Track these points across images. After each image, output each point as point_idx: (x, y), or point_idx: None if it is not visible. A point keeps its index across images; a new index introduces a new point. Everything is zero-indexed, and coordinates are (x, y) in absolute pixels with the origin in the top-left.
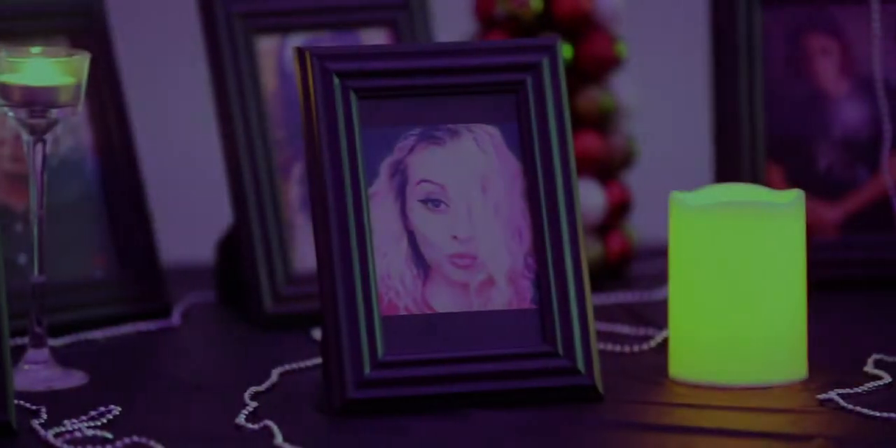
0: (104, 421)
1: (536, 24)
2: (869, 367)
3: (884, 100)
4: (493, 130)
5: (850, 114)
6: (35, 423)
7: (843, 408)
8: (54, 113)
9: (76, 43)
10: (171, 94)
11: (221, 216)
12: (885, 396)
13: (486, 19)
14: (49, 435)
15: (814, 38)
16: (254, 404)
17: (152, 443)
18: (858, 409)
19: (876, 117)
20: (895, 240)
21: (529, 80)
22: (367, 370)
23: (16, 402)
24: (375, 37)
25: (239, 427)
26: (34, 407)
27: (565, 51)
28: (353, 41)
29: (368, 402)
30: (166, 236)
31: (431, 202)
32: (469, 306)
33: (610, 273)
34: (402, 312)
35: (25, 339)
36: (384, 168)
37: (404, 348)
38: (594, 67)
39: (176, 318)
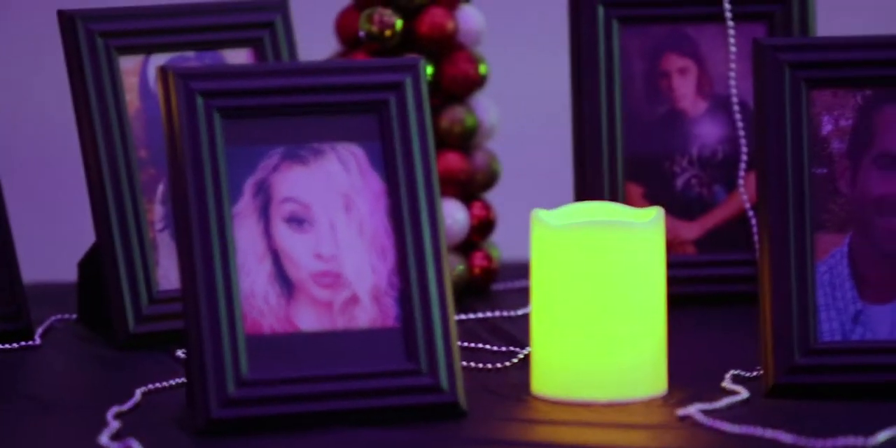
0: None
1: (399, 44)
2: (727, 383)
3: (740, 119)
4: (356, 149)
5: (707, 133)
6: None
7: (702, 423)
8: None
9: None
10: (31, 113)
11: (84, 236)
12: (742, 411)
13: (349, 39)
14: None
15: (672, 58)
16: (116, 424)
17: None
18: (717, 424)
19: (733, 136)
20: (752, 257)
21: (392, 100)
22: (230, 389)
23: None
24: (239, 56)
25: (101, 447)
26: None
27: (428, 70)
28: (217, 61)
29: (232, 422)
30: (28, 256)
31: (295, 221)
32: (333, 325)
33: (473, 291)
34: (267, 331)
35: None
36: (248, 187)
37: (268, 367)
38: (456, 87)
39: (37, 339)
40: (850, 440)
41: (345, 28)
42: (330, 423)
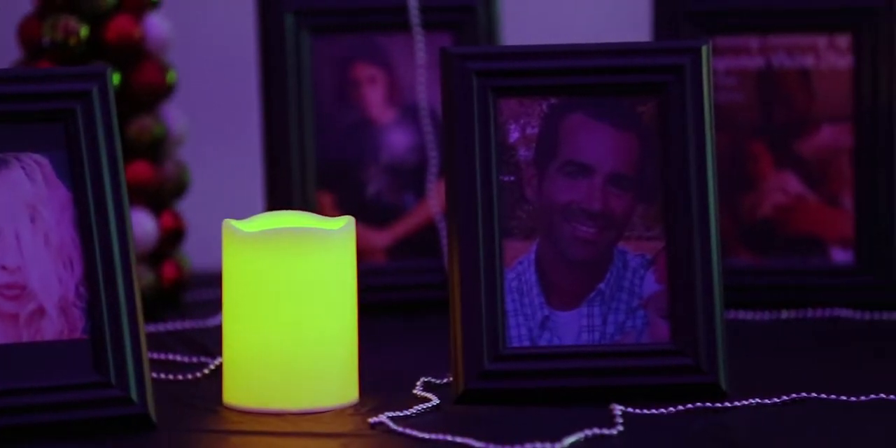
0: None
1: (85, 52)
2: (418, 390)
3: (429, 127)
4: (41, 159)
5: (397, 141)
6: None
7: (393, 431)
8: None
9: None
10: None
11: None
12: (433, 418)
13: (33, 46)
14: None
15: (361, 67)
16: None
17: None
18: (408, 431)
19: (422, 144)
20: (441, 264)
21: (79, 109)
22: None
23: None
24: None
25: None
26: None
27: (115, 79)
28: None
29: None
30: None
31: None
32: (19, 338)
33: (164, 301)
34: None
35: None
36: None
37: None
38: (144, 95)
39: None
40: (539, 445)
41: (27, 35)
42: (18, 438)
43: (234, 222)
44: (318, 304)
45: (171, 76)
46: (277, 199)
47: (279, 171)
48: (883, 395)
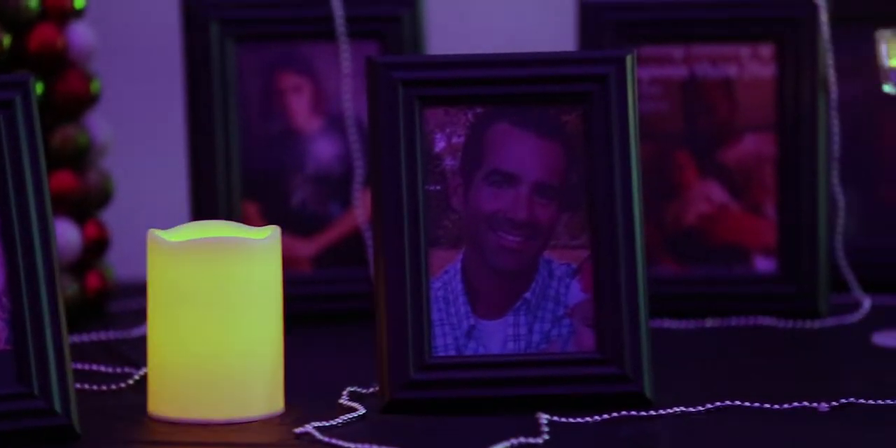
0: None
1: (7, 61)
2: (344, 400)
3: (355, 136)
4: None
5: (322, 150)
6: None
7: (319, 441)
8: None
9: None
10: None
11: None
12: (359, 428)
13: None
14: None
15: (286, 76)
16: None
17: None
18: (334, 441)
19: (348, 154)
20: (367, 274)
21: (1, 118)
22: None
23: None
24: None
25: None
26: None
27: (38, 88)
28: None
29: None
30: None
31: None
32: None
33: (88, 311)
34: None
35: None
36: None
37: None
38: (68, 105)
39: None
40: None
41: None
42: None
43: (158, 232)
44: (243, 313)
45: (95, 85)
46: (202, 208)
47: (204, 180)
48: (806, 403)
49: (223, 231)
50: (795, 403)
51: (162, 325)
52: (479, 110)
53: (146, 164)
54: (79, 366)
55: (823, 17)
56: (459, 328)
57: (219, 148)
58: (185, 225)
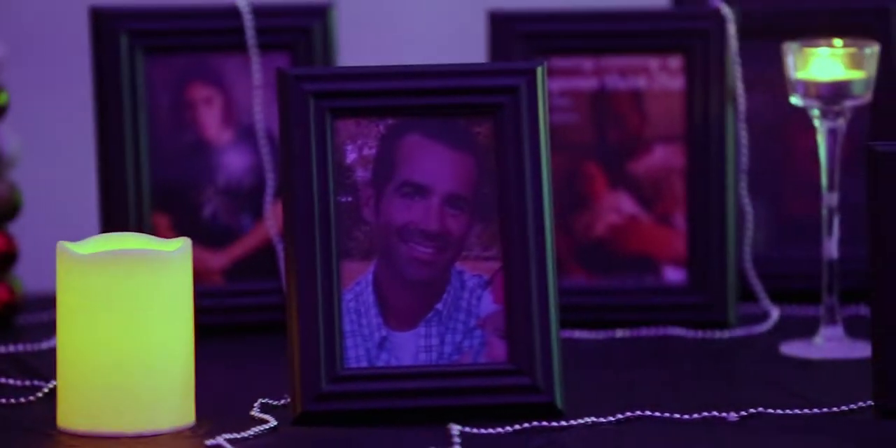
0: None
1: None
2: (255, 412)
3: (266, 148)
4: None
5: (233, 162)
6: None
7: None
8: None
9: None
10: None
11: None
12: (271, 440)
13: None
14: None
15: (196, 88)
16: None
17: None
18: None
19: (259, 165)
20: (279, 286)
21: None
22: None
23: None
24: None
25: None
26: None
27: None
28: None
29: None
30: None
31: None
32: None
33: None
34: None
35: None
36: None
37: None
38: None
39: None
40: None
41: None
42: None
43: (68, 244)
44: (153, 326)
45: (4, 97)
46: (112, 220)
47: (113, 192)
48: (715, 413)
49: (133, 243)
50: (705, 413)
51: (71, 338)
52: (390, 122)
53: (55, 176)
54: None
55: (731, 29)
56: (371, 339)
57: (128, 159)
58: (94, 237)
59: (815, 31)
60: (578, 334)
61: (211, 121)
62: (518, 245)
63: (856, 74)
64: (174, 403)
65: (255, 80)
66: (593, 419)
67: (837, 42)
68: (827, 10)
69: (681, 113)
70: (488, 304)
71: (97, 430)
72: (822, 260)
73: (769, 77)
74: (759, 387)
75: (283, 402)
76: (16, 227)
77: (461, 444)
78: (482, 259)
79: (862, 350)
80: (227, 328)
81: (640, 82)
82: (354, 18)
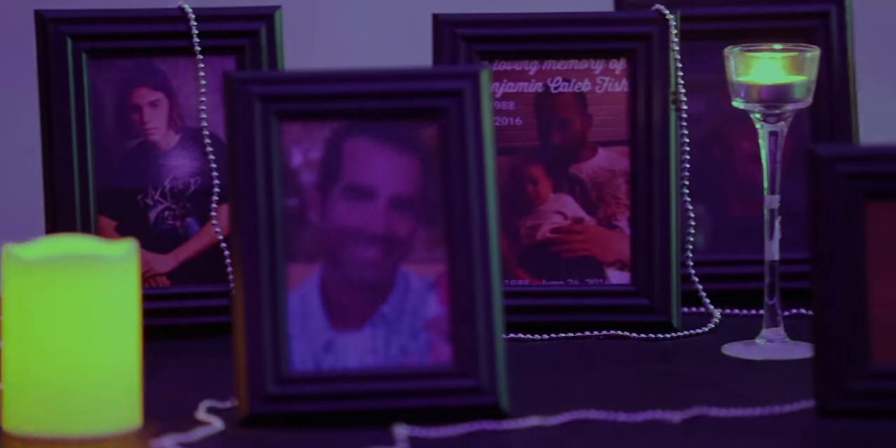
0: None
1: None
2: (202, 414)
3: (212, 152)
4: None
5: (180, 165)
6: None
7: None
8: None
9: None
10: None
11: None
12: (217, 443)
13: None
14: None
15: (142, 91)
16: None
17: None
18: None
19: (205, 168)
20: (227, 288)
21: None
22: None
23: None
24: None
25: None
26: None
27: None
28: None
29: None
30: None
31: None
32: None
33: None
34: None
35: None
36: None
37: None
38: None
39: None
40: None
41: None
42: None
43: (13, 247)
44: (100, 328)
45: None
46: (58, 224)
47: (59, 195)
48: (659, 414)
49: (79, 246)
50: (649, 415)
51: (17, 341)
52: (335, 125)
53: (0, 180)
54: None
55: (674, 33)
56: (317, 342)
57: (74, 163)
58: (40, 240)
59: (757, 35)
60: (523, 336)
61: (157, 124)
62: (463, 247)
63: (797, 78)
64: (120, 406)
65: (202, 84)
66: (538, 420)
67: (778, 46)
68: (768, 14)
69: (624, 116)
70: (434, 306)
71: (42, 432)
72: (764, 261)
73: (711, 80)
74: (703, 388)
75: (229, 404)
76: None
77: (407, 445)
78: (428, 261)
79: (803, 350)
80: (174, 331)
81: (584, 86)
82: (301, 22)
